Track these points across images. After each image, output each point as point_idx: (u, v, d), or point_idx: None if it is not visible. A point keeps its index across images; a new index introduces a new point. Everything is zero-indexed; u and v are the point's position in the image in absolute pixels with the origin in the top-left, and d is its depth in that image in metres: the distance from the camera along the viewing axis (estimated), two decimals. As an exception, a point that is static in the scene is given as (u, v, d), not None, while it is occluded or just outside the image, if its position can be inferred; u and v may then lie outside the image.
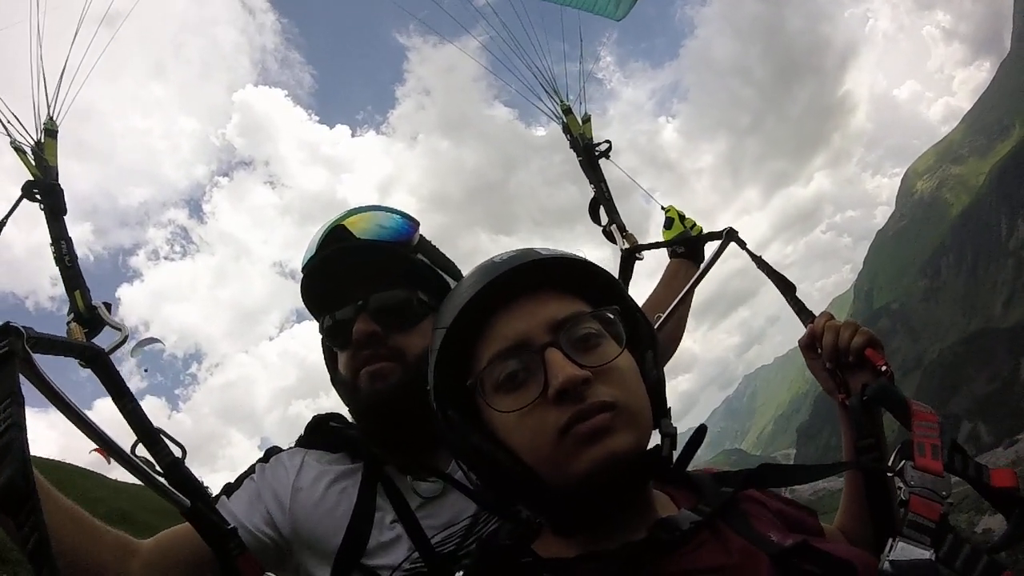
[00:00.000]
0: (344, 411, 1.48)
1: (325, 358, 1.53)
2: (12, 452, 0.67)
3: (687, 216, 2.41)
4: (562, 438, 0.87)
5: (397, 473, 1.38)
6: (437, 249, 1.53)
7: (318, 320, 1.46)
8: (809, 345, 1.46)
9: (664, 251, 2.33)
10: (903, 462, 0.99)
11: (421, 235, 1.49)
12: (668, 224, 2.43)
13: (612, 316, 0.97)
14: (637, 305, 1.05)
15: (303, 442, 1.49)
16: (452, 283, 1.44)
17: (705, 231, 2.29)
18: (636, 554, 0.87)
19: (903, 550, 0.86)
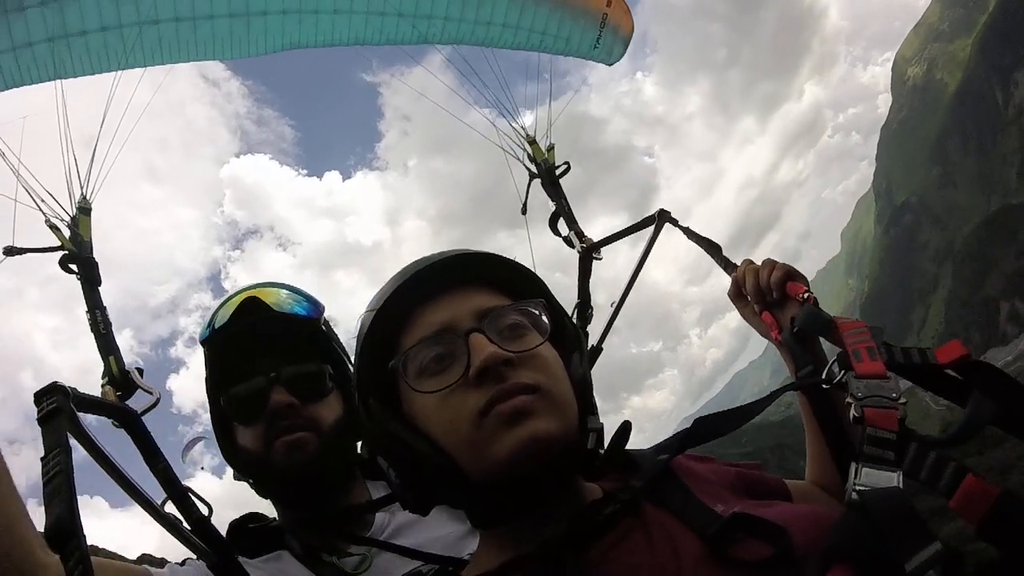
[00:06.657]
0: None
1: (217, 430, 1.54)
2: (60, 495, 0.75)
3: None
4: (482, 420, 0.85)
5: (322, 552, 1.41)
6: (336, 334, 1.66)
7: (219, 391, 1.49)
8: (736, 293, 1.52)
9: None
10: (843, 372, 0.97)
11: (324, 317, 1.62)
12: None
13: (537, 311, 0.97)
14: (563, 308, 1.06)
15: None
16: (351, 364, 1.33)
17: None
18: (555, 553, 0.84)
19: (868, 475, 0.79)
